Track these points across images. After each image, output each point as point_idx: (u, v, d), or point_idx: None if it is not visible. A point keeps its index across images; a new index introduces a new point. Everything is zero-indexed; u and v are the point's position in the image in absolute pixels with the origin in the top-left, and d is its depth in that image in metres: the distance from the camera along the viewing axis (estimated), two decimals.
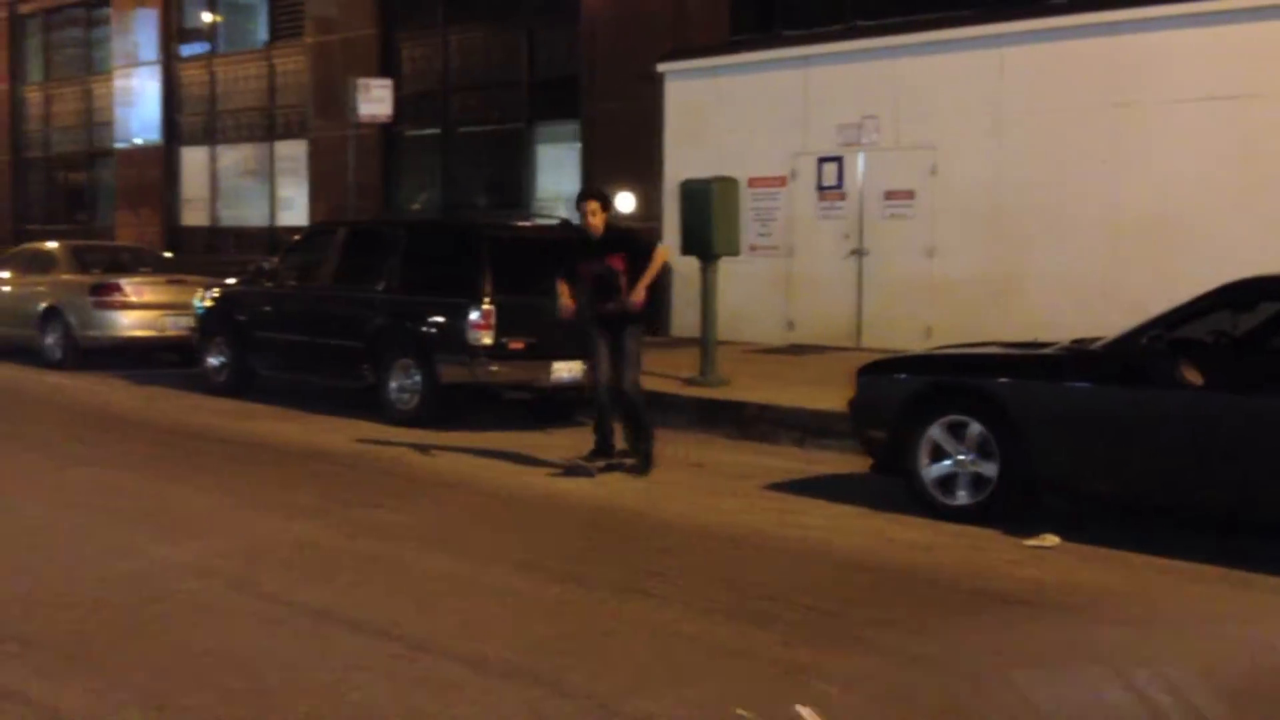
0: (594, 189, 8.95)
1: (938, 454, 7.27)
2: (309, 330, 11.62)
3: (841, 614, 5.40)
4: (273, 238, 20.49)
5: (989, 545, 6.70)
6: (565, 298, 8.68)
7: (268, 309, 12.22)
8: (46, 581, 5.71)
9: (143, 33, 24.77)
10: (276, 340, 12.05)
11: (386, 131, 19.56)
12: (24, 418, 10.97)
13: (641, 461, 8.55)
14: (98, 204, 26.69)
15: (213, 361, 12.61)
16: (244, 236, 22.58)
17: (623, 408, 8.61)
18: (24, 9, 28.29)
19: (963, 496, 7.21)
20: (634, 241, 8.77)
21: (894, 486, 7.61)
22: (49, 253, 15.55)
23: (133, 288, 14.21)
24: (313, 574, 5.95)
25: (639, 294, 8.30)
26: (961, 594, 5.82)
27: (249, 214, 23.46)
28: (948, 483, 7.26)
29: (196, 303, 13.28)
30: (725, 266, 12.08)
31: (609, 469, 8.51)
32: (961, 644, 5.06)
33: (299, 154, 22.01)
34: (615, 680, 4.53)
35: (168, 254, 18.44)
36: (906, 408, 7.44)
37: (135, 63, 24.96)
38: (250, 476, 8.24)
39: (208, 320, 12.90)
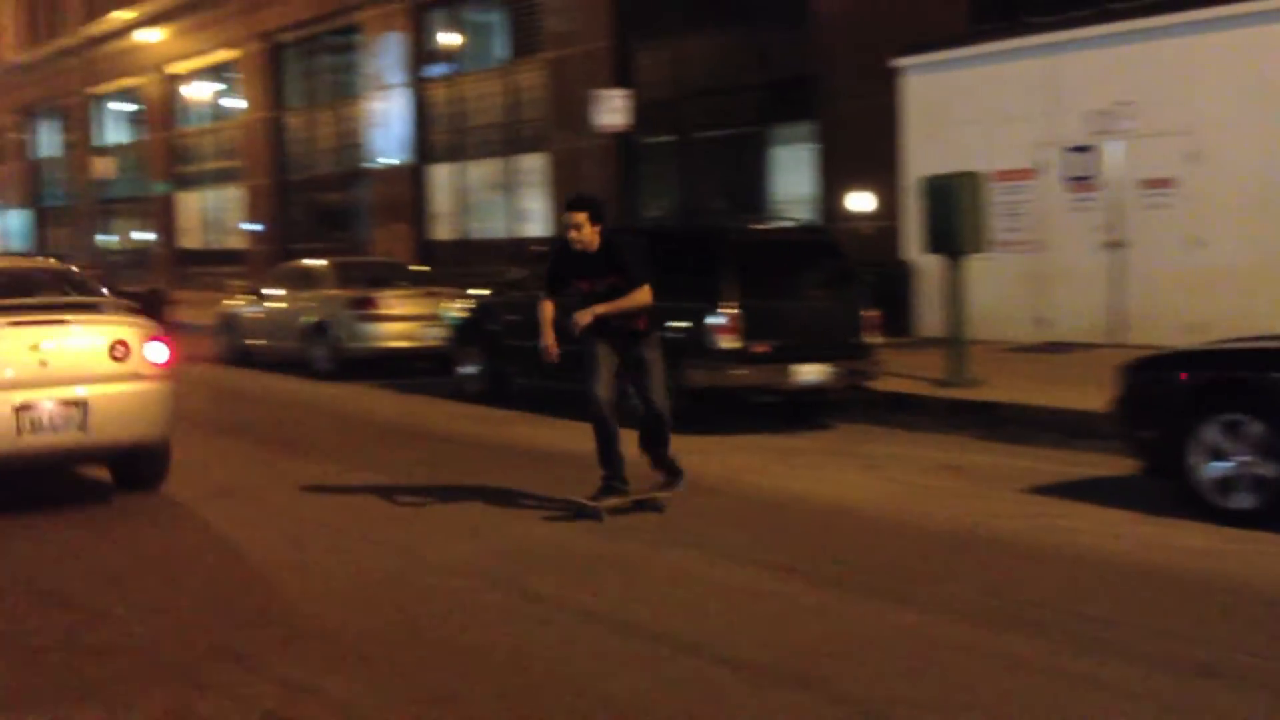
0: (583, 198, 7.47)
1: (1215, 454, 6.87)
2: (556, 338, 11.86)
3: (1119, 623, 5.15)
4: (516, 249, 21.09)
5: (1278, 550, 6.30)
6: (549, 327, 7.46)
7: (516, 318, 12.54)
8: (333, 581, 6.02)
9: (391, 56, 25.93)
10: (526, 348, 12.34)
11: (624, 140, 19.87)
12: (298, 426, 11.59)
13: (669, 476, 7.48)
14: (353, 222, 28.07)
15: (467, 370, 13.06)
16: (489, 248, 23.33)
17: (648, 426, 7.45)
18: (283, 39, 30.03)
19: (1244, 499, 6.79)
20: (628, 268, 7.31)
21: (1161, 489, 7.24)
22: (315, 269, 16.39)
23: (391, 301, 14.86)
24: (576, 576, 6.08)
25: (586, 316, 7.17)
26: (1254, 602, 5.47)
27: (493, 226, 24.26)
28: (1226, 485, 6.85)
29: (449, 314, 13.78)
30: (971, 263, 11.76)
31: (623, 509, 7.27)
32: (1259, 656, 4.75)
33: (540, 166, 22.62)
34: (884, 687, 4.46)
35: (421, 267, 19.22)
36: (1180, 406, 7.07)
37: (385, 85, 26.16)
38: (508, 480, 8.46)
39: (460, 330, 13.39)
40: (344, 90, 28.58)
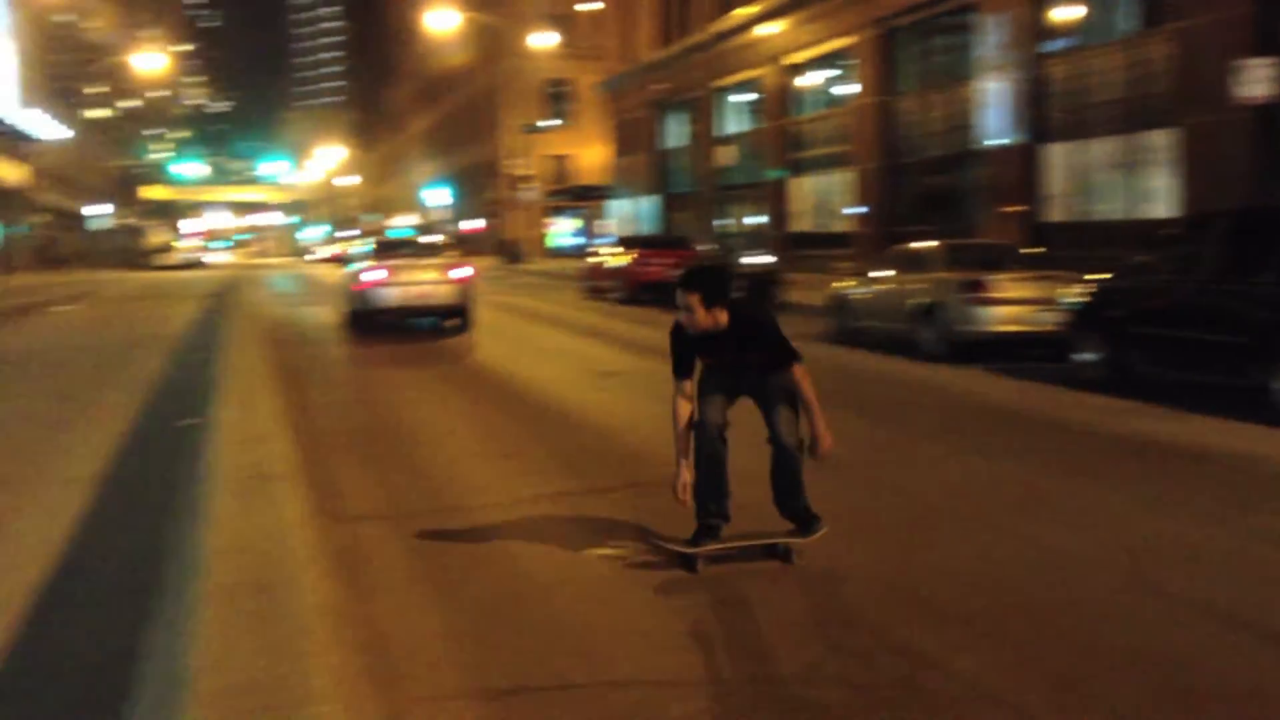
0: (694, 275, 6.04)
1: None
2: (1187, 326, 11.06)
3: None
4: (1139, 231, 19.87)
5: None
6: (683, 443, 6.12)
7: (1143, 304, 11.84)
8: (956, 560, 6.00)
9: (1005, 34, 25.35)
10: (1153, 336, 11.64)
11: (1268, 113, 18.02)
12: (907, 407, 11.68)
13: (804, 525, 6.09)
14: (961, 204, 27.82)
15: (1084, 357, 12.51)
16: (1107, 230, 22.16)
17: (784, 468, 6.06)
18: (897, 24, 30.36)
19: None
20: (770, 345, 6.04)
21: None
22: (925, 252, 16.43)
23: (1002, 284, 14.55)
24: (1211, 578, 5.62)
25: (828, 440, 5.93)
26: None
27: (1112, 208, 23.01)
28: None
29: (1067, 299, 13.25)
30: None
31: (720, 557, 5.98)
32: None
33: (1167, 143, 21.12)
34: None
35: (1034, 250, 18.66)
36: None
37: (998, 64, 25.63)
38: (1125, 473, 7.99)
39: (1079, 316, 12.84)
40: (955, 71, 28.38)
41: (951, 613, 5.22)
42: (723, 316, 5.90)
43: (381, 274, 19.90)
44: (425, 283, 19.79)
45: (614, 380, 13.35)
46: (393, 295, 19.70)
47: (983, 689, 4.34)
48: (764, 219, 38.74)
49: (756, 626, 5.10)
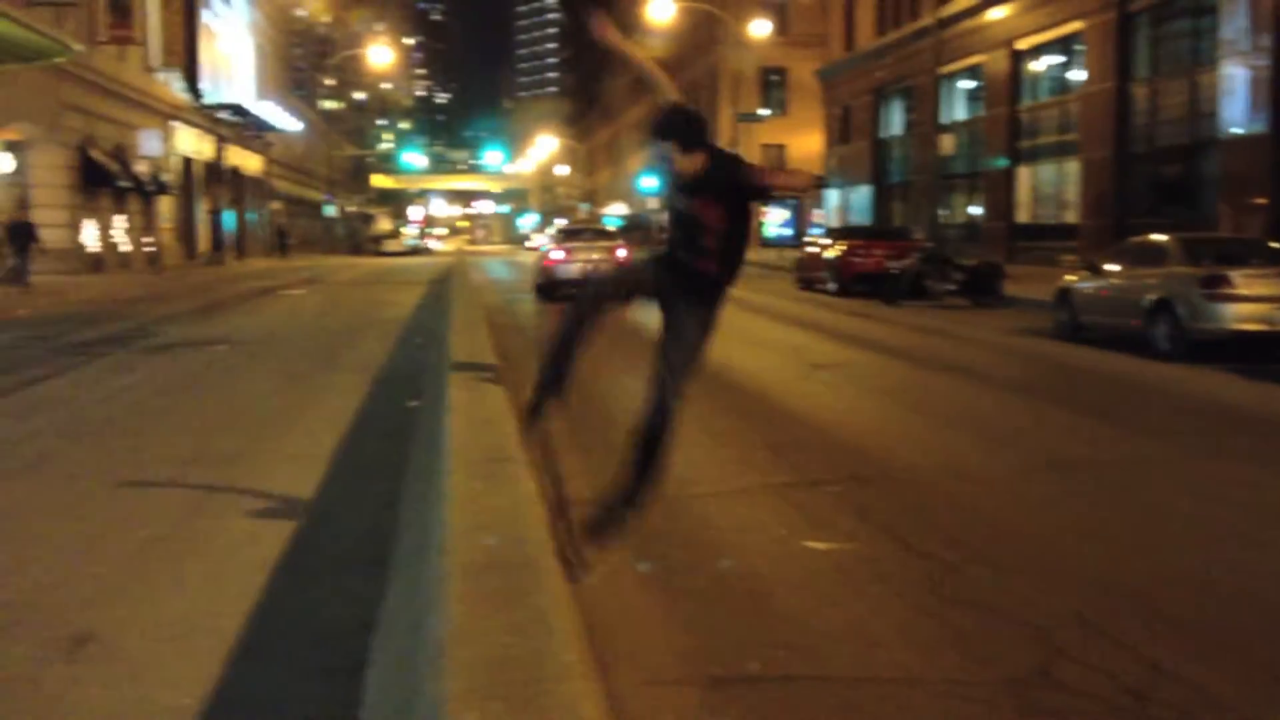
0: (662, 126, 5.42)
1: None
2: None
3: None
4: None
5: None
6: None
7: None
8: (1189, 566, 5.72)
9: (1249, 17, 23.96)
10: None
11: None
12: (1138, 408, 11.19)
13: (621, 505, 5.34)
14: (1196, 196, 26.49)
15: None
16: None
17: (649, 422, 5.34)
18: (1133, 7, 29.06)
19: None
20: (747, 174, 5.37)
21: None
22: (1159, 245, 15.69)
23: (1246, 280, 13.79)
24: None
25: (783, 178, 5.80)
26: None
27: None
28: None
29: None
30: None
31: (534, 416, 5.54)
32: None
33: None
34: None
35: (1277, 245, 17.61)
36: None
37: (1241, 49, 24.25)
38: None
39: None
40: (1193, 57, 27.00)
41: (1184, 620, 4.99)
42: (699, 160, 5.32)
43: (562, 254, 26.03)
44: (594, 260, 24.71)
45: (826, 372, 13.22)
46: (570, 269, 25.13)
47: (1219, 701, 4.15)
48: (981, 210, 37.72)
49: (981, 626, 4.96)
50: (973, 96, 39.71)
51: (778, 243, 57.05)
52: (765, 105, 62.69)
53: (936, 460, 8.35)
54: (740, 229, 5.40)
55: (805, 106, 60.18)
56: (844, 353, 15.30)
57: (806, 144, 60.41)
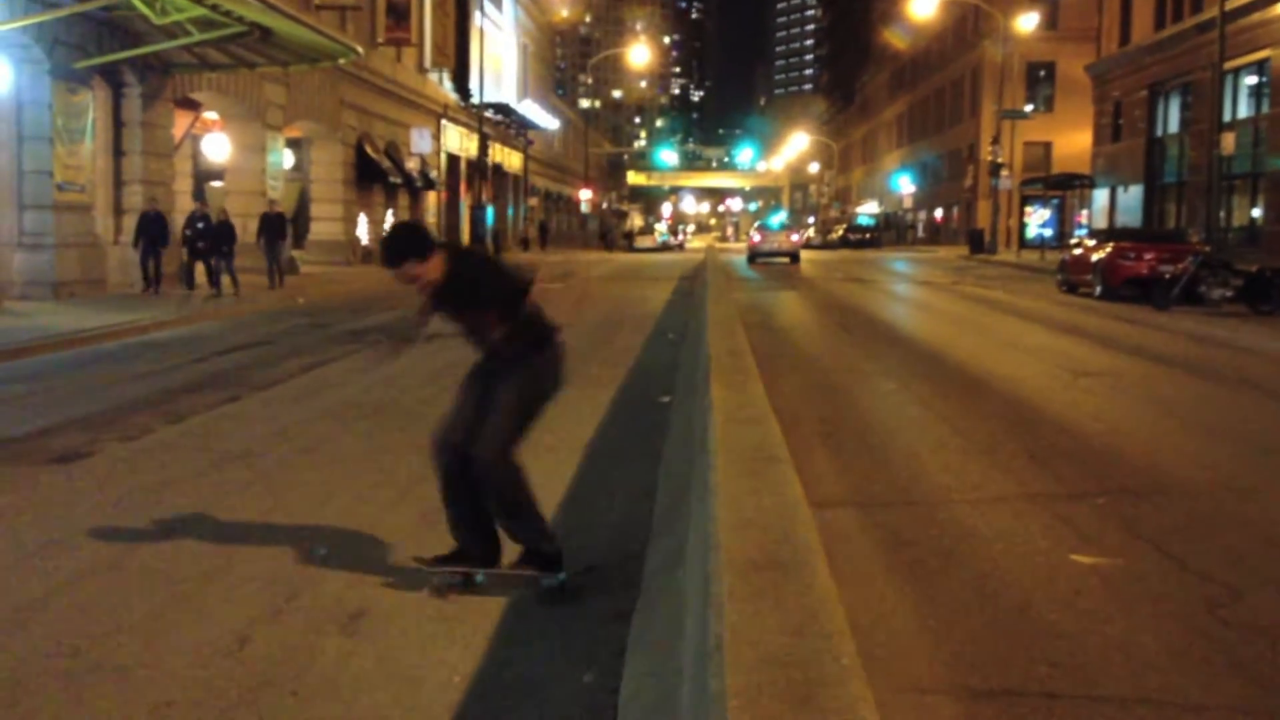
0: (387, 250, 5.19)
1: None
2: None
3: None
4: None
5: None
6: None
7: None
8: None
9: None
10: None
11: None
12: None
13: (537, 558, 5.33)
14: None
15: None
16: None
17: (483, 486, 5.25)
18: None
19: None
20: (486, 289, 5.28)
21: None
22: None
23: None
24: None
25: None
26: None
27: None
28: None
29: None
30: None
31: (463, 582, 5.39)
32: None
33: None
34: None
35: None
36: None
37: None
38: None
39: None
40: None
41: None
42: (435, 268, 5.13)
43: (759, 237, 48.78)
44: (777, 242, 48.22)
45: (1092, 380, 12.68)
46: (764, 247, 47.67)
47: None
48: (1262, 212, 35.38)
49: (1270, 654, 4.65)
50: (1258, 93, 37.30)
51: (1039, 244, 55.10)
52: (1030, 102, 60.66)
53: (1216, 476, 7.89)
54: (492, 303, 5.22)
55: (1073, 103, 57.92)
56: (1111, 360, 14.63)
57: (1073, 142, 58.15)
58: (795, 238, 50.36)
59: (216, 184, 32.02)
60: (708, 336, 9.09)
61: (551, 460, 8.01)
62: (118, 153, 24.31)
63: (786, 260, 47.56)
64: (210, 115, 30.79)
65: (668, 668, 3.55)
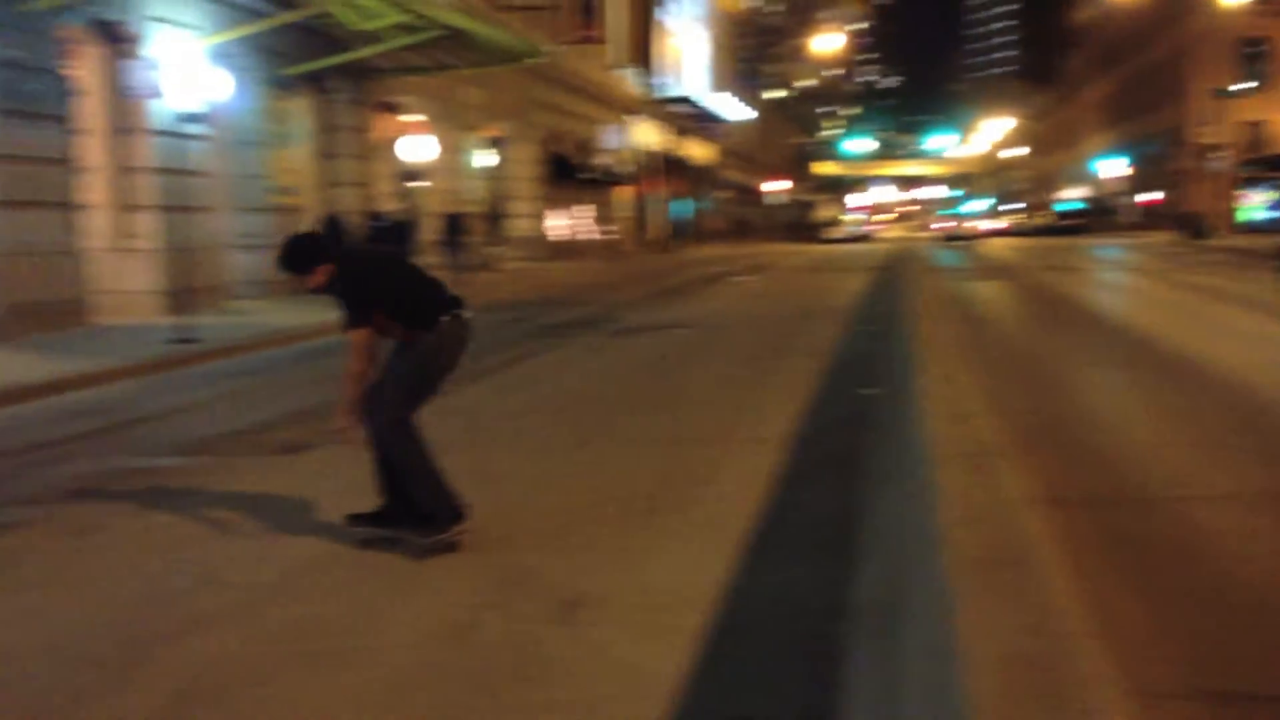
0: (282, 260, 5.88)
1: None
2: None
3: None
4: None
5: None
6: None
7: None
8: None
9: None
10: None
11: None
12: None
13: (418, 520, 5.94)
14: None
15: None
16: None
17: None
18: None
19: None
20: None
21: None
22: None
23: None
24: None
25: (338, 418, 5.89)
26: None
27: None
28: None
29: None
30: None
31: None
32: None
33: None
34: None
35: None
36: None
37: None
38: None
39: None
40: None
41: None
42: (320, 276, 5.77)
43: (951, 223, 60.90)
44: (969, 228, 61.53)
45: None
46: (955, 233, 59.83)
47: None
48: None
49: None
50: None
51: (1261, 227, 52.29)
52: (1245, 79, 57.69)
53: None
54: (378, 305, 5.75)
55: None
56: None
57: None
58: (986, 225, 53.27)
59: (418, 184, 33.03)
60: (912, 328, 8.93)
61: (754, 453, 8.01)
62: (326, 156, 25.32)
63: (976, 243, 53.07)
64: (413, 118, 31.79)
65: (892, 666, 3.49)
